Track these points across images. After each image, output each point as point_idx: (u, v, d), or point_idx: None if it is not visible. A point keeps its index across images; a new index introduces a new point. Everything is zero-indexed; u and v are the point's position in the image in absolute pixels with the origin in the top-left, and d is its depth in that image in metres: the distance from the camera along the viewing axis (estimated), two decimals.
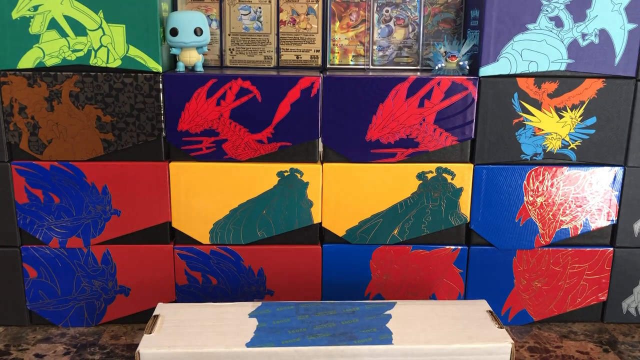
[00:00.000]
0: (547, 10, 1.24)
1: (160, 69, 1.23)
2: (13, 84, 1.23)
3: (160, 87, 1.24)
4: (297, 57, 1.43)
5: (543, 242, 1.36)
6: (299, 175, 1.29)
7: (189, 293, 1.36)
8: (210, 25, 1.40)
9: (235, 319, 1.13)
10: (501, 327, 1.10)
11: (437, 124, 1.28)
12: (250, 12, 1.41)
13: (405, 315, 1.15)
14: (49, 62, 1.22)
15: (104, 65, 1.23)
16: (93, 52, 1.22)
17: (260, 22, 1.41)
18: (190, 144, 1.27)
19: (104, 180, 1.28)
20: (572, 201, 1.33)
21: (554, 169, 1.31)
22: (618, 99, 1.28)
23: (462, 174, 1.31)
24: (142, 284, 1.34)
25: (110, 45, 1.22)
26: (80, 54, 1.22)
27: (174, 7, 1.38)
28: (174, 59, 1.36)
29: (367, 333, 1.08)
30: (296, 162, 1.29)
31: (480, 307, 1.19)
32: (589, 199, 1.33)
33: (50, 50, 1.22)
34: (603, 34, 1.25)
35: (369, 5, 1.42)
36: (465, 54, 1.30)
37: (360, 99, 1.26)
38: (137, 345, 1.09)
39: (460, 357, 1.05)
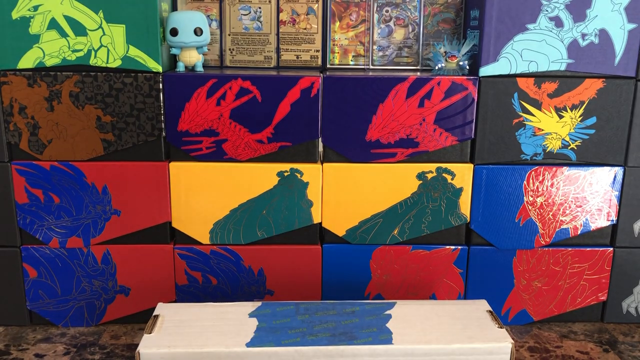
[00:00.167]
0: (547, 10, 1.24)
1: (160, 69, 1.23)
2: (13, 84, 1.23)
3: (160, 87, 1.24)
4: (297, 57, 1.43)
5: (543, 242, 1.36)
6: (299, 175, 1.29)
7: (189, 293, 1.36)
8: (210, 25, 1.40)
9: (235, 319, 1.13)
10: (501, 327, 1.10)
11: (437, 124, 1.28)
12: (250, 12, 1.41)
13: (405, 315, 1.15)
14: (49, 62, 1.22)
15: (104, 65, 1.23)
16: (93, 52, 1.22)
17: (260, 22, 1.41)
18: (190, 144, 1.27)
19: (104, 180, 1.28)
20: (572, 201, 1.33)
21: (554, 169, 1.31)
22: (618, 99, 1.28)
23: (462, 174, 1.31)
24: (142, 284, 1.34)
25: (110, 45, 1.22)
26: (80, 54, 1.22)
27: (174, 7, 1.38)
28: (174, 59, 1.36)
29: (367, 333, 1.08)
30: (296, 162, 1.29)
31: (480, 307, 1.19)
32: (589, 199, 1.33)
33: (50, 50, 1.22)
34: (603, 34, 1.25)
35: (369, 5, 1.42)
36: (465, 54, 1.30)
37: (360, 99, 1.26)
38: (137, 345, 1.09)
39: (460, 357, 1.05)
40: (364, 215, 1.33)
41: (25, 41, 1.21)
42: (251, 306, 1.18)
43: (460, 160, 1.31)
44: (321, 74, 1.27)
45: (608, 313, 1.41)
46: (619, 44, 1.26)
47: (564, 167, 1.31)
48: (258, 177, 1.29)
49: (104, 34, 1.21)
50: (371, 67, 1.45)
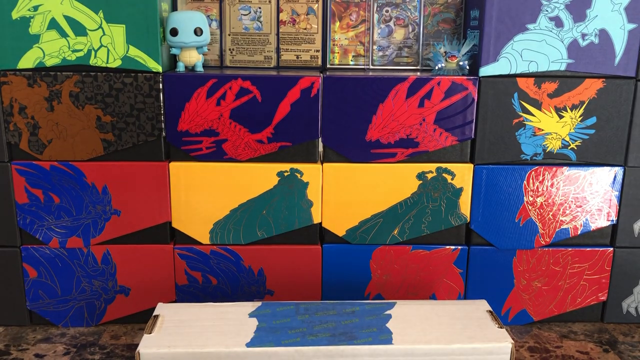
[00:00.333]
0: (547, 10, 1.24)
1: (160, 69, 1.23)
2: (13, 84, 1.23)
3: (160, 87, 1.24)
4: (297, 57, 1.43)
5: (543, 242, 1.36)
6: (299, 175, 1.29)
7: (189, 293, 1.36)
8: (210, 25, 1.40)
9: (235, 319, 1.13)
10: (501, 327, 1.10)
11: (437, 124, 1.28)
12: (250, 12, 1.41)
13: (405, 315, 1.15)
14: (49, 62, 1.22)
15: (104, 65, 1.23)
16: (93, 52, 1.22)
17: (260, 22, 1.41)
18: (190, 144, 1.27)
19: (104, 180, 1.28)
20: (572, 201, 1.33)
21: (554, 169, 1.31)
22: (618, 99, 1.28)
23: (462, 174, 1.31)
24: (142, 284, 1.34)
25: (110, 45, 1.22)
26: (80, 54, 1.22)
27: (174, 7, 1.38)
28: (174, 59, 1.36)
29: (367, 333, 1.08)
30: (296, 162, 1.29)
31: (480, 307, 1.19)
32: (589, 199, 1.33)
33: (50, 50, 1.22)
34: (603, 34, 1.25)
35: (369, 5, 1.42)
36: (465, 54, 1.30)
37: (360, 99, 1.26)
38: (137, 345, 1.09)
39: (460, 357, 1.05)
40: (364, 215, 1.33)
41: (25, 41, 1.21)
42: (251, 306, 1.18)
43: (460, 160, 1.31)
44: (321, 74, 1.27)
45: (608, 313, 1.41)
46: (619, 44, 1.26)
47: (564, 167, 1.31)
48: (258, 177, 1.29)
49: (104, 34, 1.21)
50: (371, 67, 1.45)
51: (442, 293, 1.38)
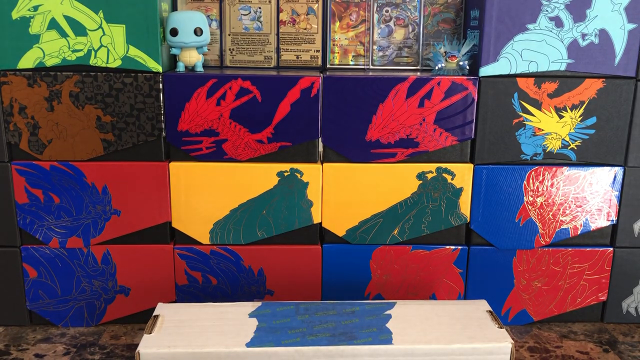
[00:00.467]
0: (547, 10, 1.24)
1: (160, 69, 1.23)
2: (13, 84, 1.23)
3: (160, 87, 1.24)
4: (297, 57, 1.43)
5: (543, 242, 1.36)
6: (299, 175, 1.29)
7: (189, 293, 1.36)
8: (210, 25, 1.40)
9: (235, 319, 1.13)
10: (501, 327, 1.10)
11: (437, 124, 1.28)
12: (250, 12, 1.41)
13: (405, 315, 1.15)
14: (49, 62, 1.22)
15: (104, 65, 1.23)
16: (93, 52, 1.22)
17: (260, 22, 1.41)
18: (190, 144, 1.27)
19: (104, 180, 1.28)
20: (572, 201, 1.33)
21: (554, 169, 1.31)
22: (618, 99, 1.28)
23: (462, 174, 1.31)
24: (142, 284, 1.34)
25: (110, 45, 1.22)
26: (80, 54, 1.22)
27: (174, 7, 1.38)
28: (174, 59, 1.36)
29: (367, 333, 1.08)
30: (296, 162, 1.29)
31: (480, 307, 1.19)
32: (589, 199, 1.33)
33: (50, 50, 1.22)
34: (603, 34, 1.25)
35: (369, 5, 1.42)
36: (465, 54, 1.30)
37: (360, 99, 1.26)
38: (137, 345, 1.09)
39: (460, 357, 1.05)
40: (364, 215, 1.33)
41: (25, 41, 1.21)
42: (251, 306, 1.18)
43: (460, 160, 1.31)
44: (321, 74, 1.27)
45: (608, 313, 1.41)
46: (619, 44, 1.26)
47: (564, 167, 1.31)
48: (258, 177, 1.29)
49: (104, 34, 1.21)
50: (371, 67, 1.45)
51: (442, 293, 1.38)
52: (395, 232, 1.34)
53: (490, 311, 1.17)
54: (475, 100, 1.27)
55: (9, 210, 1.29)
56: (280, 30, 1.42)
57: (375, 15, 1.42)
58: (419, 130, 1.28)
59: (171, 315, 1.14)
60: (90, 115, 1.25)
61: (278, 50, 1.43)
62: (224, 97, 1.25)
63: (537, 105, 1.28)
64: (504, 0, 1.23)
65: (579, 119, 1.29)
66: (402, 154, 1.30)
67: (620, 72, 1.27)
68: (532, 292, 1.39)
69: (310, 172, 1.29)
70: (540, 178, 1.32)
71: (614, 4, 1.23)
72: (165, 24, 1.26)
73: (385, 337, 1.07)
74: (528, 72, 1.27)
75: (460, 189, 1.32)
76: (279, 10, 1.41)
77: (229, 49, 1.43)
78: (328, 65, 1.44)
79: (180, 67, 1.29)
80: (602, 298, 1.40)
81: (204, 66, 1.36)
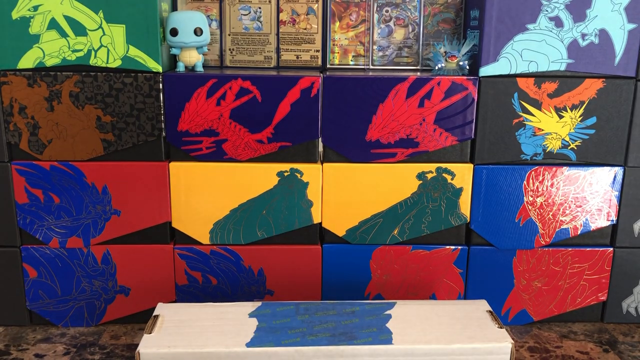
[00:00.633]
0: (547, 10, 1.24)
1: (160, 69, 1.23)
2: (13, 84, 1.23)
3: (160, 87, 1.24)
4: (297, 57, 1.43)
5: (543, 242, 1.36)
6: (299, 175, 1.29)
7: (189, 293, 1.36)
8: (210, 25, 1.40)
9: (235, 319, 1.13)
10: (501, 327, 1.10)
11: (437, 124, 1.28)
12: (250, 12, 1.41)
13: (405, 315, 1.15)
14: (49, 62, 1.22)
15: (104, 65, 1.23)
16: (93, 52, 1.22)
17: (260, 22, 1.41)
18: (190, 144, 1.27)
19: (104, 180, 1.28)
20: (572, 201, 1.33)
21: (554, 169, 1.31)
22: (618, 99, 1.28)
23: (462, 174, 1.31)
24: (142, 284, 1.34)
25: (110, 45, 1.22)
26: (80, 54, 1.22)
27: (174, 7, 1.38)
28: (174, 59, 1.36)
29: (367, 333, 1.08)
30: (296, 162, 1.29)
31: (480, 307, 1.19)
32: (589, 199, 1.33)
33: (50, 50, 1.22)
34: (603, 34, 1.25)
35: (369, 5, 1.42)
36: (465, 54, 1.30)
37: (360, 99, 1.26)
38: (137, 345, 1.09)
39: (460, 357, 1.05)
40: (364, 215, 1.33)
41: (25, 41, 1.21)
42: (251, 306, 1.18)
43: (460, 160, 1.31)
44: (321, 74, 1.27)
45: (608, 313, 1.41)
46: (619, 44, 1.26)
47: (564, 167, 1.32)
48: (258, 177, 1.29)
49: (104, 34, 1.21)
50: (371, 67, 1.45)
51: (442, 293, 1.38)
52: (395, 232, 1.34)
53: (490, 311, 1.17)
54: (475, 100, 1.27)
55: (9, 210, 1.29)
56: (280, 30, 1.42)
57: (375, 15, 1.42)
58: (419, 130, 1.28)
59: (171, 315, 1.14)
60: (90, 115, 1.25)
61: (278, 50, 1.43)
62: (224, 97, 1.25)
63: (537, 105, 1.28)
64: (504, 0, 1.23)
65: (579, 119, 1.29)
66: (402, 154, 1.30)
67: (620, 72, 1.27)
68: (532, 292, 1.39)
69: (310, 172, 1.29)
70: (540, 178, 1.32)
71: (614, 4, 1.23)
72: (165, 24, 1.26)
73: (385, 337, 1.07)
74: (528, 72, 1.27)
75: (460, 189, 1.32)
76: (279, 10, 1.41)
77: (229, 49, 1.43)
78: (328, 65, 1.44)
79: (180, 67, 1.29)
80: (602, 298, 1.40)
81: (204, 66, 1.36)
